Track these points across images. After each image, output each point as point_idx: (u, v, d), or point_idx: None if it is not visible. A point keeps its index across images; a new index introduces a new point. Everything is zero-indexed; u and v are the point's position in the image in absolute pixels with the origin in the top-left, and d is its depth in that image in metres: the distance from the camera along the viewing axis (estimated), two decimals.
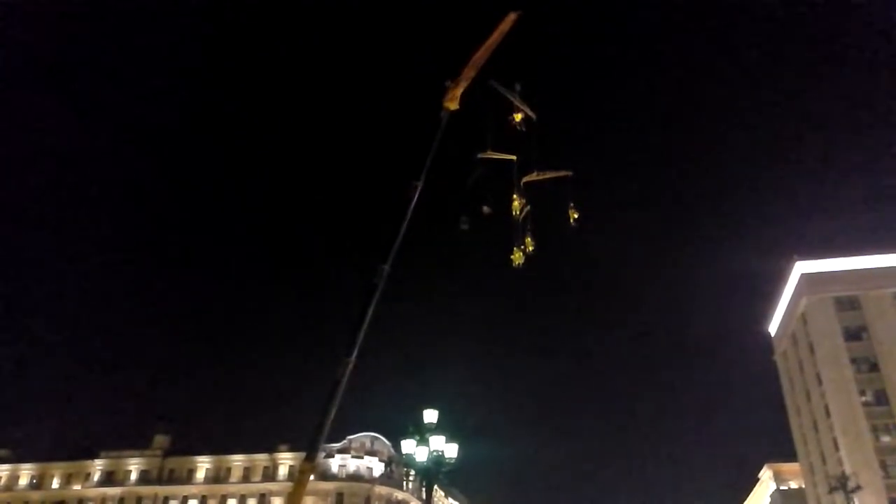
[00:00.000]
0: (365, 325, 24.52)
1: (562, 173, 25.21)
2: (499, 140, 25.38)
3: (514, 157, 25.08)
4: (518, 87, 25.56)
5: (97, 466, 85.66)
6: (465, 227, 24.55)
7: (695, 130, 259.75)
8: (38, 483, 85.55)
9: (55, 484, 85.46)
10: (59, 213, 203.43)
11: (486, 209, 24.53)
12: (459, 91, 26.55)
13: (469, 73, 26.51)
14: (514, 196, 24.69)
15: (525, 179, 24.95)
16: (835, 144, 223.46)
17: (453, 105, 26.49)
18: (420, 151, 26.47)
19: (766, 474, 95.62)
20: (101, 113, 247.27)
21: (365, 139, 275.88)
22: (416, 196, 25.74)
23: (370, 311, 24.62)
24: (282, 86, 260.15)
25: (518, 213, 24.50)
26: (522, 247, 24.23)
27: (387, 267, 24.95)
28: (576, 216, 24.70)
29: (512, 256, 24.13)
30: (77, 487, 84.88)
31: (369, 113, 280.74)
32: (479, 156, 24.85)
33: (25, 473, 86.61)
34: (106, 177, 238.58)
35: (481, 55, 26.39)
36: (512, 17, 26.14)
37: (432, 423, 20.18)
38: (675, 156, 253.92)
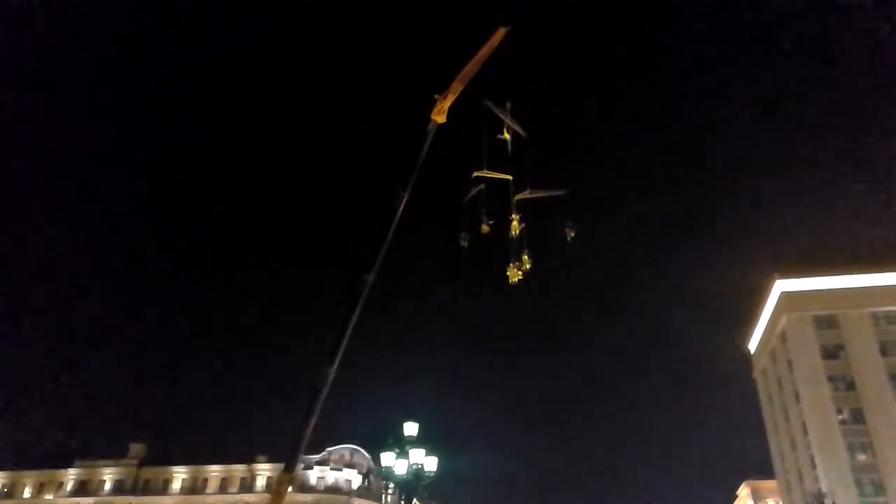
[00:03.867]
0: (347, 335, 24.45)
1: (556, 192, 25.07)
2: (492, 157, 25.23)
3: (510, 178, 24.88)
4: (508, 104, 25.60)
5: (70, 475, 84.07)
6: (464, 243, 24.38)
7: (676, 151, 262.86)
8: (10, 492, 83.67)
9: (27, 493, 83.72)
10: (42, 212, 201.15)
11: (485, 227, 24.31)
12: (447, 104, 26.72)
13: (457, 87, 26.69)
14: (512, 217, 24.45)
15: (518, 197, 24.81)
16: (816, 164, 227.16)
17: (441, 118, 26.66)
18: (407, 163, 26.62)
19: (744, 491, 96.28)
20: (100, 111, 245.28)
21: (352, 151, 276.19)
22: (402, 206, 25.81)
23: (352, 321, 24.56)
24: (275, 93, 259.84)
25: (515, 232, 24.36)
26: (518, 264, 24.08)
27: (370, 277, 24.98)
28: (572, 234, 24.55)
29: (508, 273, 23.97)
30: (49, 497, 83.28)
31: (359, 124, 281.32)
32: (476, 174, 24.76)
33: None
34: (96, 177, 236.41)
35: (470, 69, 26.59)
36: (501, 31, 26.36)
37: (412, 436, 20.17)
38: (656, 175, 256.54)
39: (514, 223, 24.13)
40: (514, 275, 23.75)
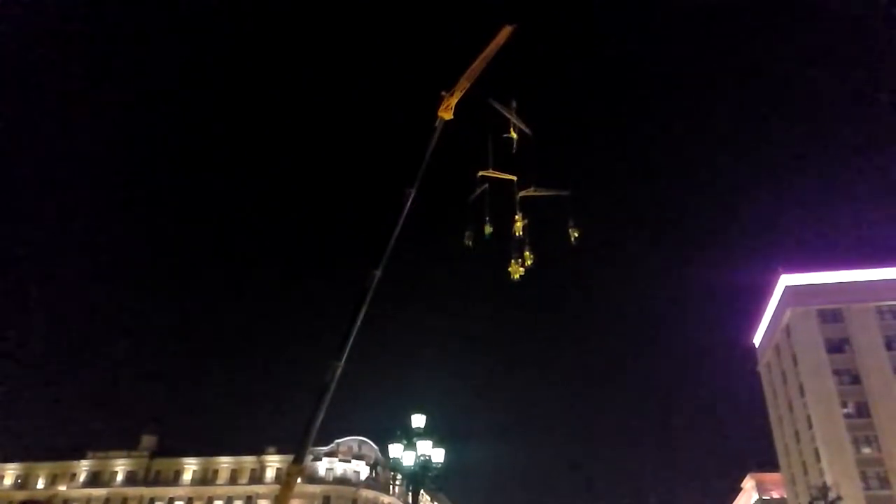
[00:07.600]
0: (355, 329, 24.97)
1: (560, 192, 25.21)
2: (497, 156, 25.51)
3: (514, 178, 25.08)
4: (514, 103, 25.87)
5: (83, 467, 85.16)
6: (469, 243, 24.61)
7: (684, 146, 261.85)
8: (23, 483, 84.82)
9: (40, 484, 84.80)
10: (49, 209, 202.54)
11: (488, 229, 24.49)
12: (454, 101, 27.26)
13: (464, 84, 27.25)
14: (516, 217, 24.61)
15: (522, 194, 25.01)
16: (821, 160, 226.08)
17: (447, 114, 27.21)
18: (414, 159, 27.08)
19: (748, 484, 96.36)
20: (100, 113, 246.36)
21: (358, 147, 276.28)
22: (409, 202, 26.30)
23: (361, 315, 25.07)
24: (281, 89, 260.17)
25: (518, 231, 24.55)
26: (520, 260, 24.25)
27: (378, 272, 25.48)
28: (576, 234, 24.62)
29: (510, 269, 24.17)
30: (62, 488, 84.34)
31: (366, 120, 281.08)
32: (481, 174, 25.03)
33: (10, 473, 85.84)
34: (102, 174, 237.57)
35: (476, 67, 27.12)
36: (507, 30, 26.85)
37: (420, 428, 20.42)
38: (663, 170, 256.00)
39: (518, 225, 24.35)
40: (516, 271, 24.01)
